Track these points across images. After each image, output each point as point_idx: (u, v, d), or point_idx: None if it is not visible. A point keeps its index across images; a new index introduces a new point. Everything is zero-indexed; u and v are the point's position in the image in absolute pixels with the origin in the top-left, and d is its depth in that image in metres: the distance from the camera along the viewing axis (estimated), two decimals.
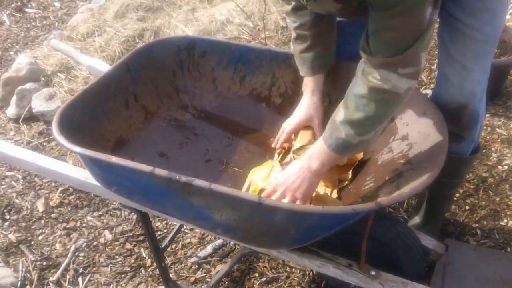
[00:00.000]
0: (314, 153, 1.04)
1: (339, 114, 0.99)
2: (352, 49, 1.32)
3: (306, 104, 1.25)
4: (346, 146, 1.00)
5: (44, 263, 1.68)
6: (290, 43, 2.53)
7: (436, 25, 1.16)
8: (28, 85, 2.42)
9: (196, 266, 1.61)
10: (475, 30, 1.06)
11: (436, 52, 2.42)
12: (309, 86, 1.25)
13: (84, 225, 1.81)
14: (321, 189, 1.22)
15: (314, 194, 1.13)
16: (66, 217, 1.84)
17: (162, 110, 1.45)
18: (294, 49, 1.24)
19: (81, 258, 1.69)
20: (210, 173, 1.33)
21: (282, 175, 1.08)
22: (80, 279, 1.62)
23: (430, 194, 1.48)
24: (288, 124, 1.28)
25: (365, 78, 0.94)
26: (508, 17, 2.70)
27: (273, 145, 1.30)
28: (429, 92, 2.15)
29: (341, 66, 1.32)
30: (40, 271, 1.65)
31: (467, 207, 1.70)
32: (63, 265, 1.65)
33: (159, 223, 1.77)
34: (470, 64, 1.11)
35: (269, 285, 1.52)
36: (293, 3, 1.17)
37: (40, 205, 1.90)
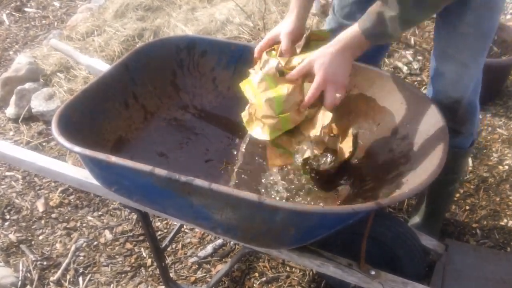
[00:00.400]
0: (350, 41, 1.00)
1: (391, 9, 0.94)
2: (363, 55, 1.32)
3: (282, 21, 1.18)
4: (387, 37, 1.00)
5: (45, 263, 1.68)
6: None
7: (432, 23, 1.16)
8: (27, 85, 2.42)
9: (196, 266, 1.61)
10: (473, 27, 1.07)
11: None
12: (294, 3, 1.17)
13: (84, 225, 1.81)
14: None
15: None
16: (66, 217, 1.85)
17: (162, 110, 1.45)
18: None
19: (81, 258, 1.69)
20: (210, 173, 1.33)
21: (324, 69, 1.00)
22: (80, 279, 1.62)
23: (429, 193, 1.48)
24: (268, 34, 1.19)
25: None
26: (508, 17, 2.70)
27: (256, 50, 1.20)
28: None
29: None
30: (41, 271, 1.65)
31: (467, 207, 1.71)
32: (63, 265, 1.65)
33: (159, 223, 1.77)
34: (467, 61, 1.12)
35: (269, 285, 1.52)
36: None
37: (40, 205, 1.90)
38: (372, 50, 1.33)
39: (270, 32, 1.19)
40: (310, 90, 1.03)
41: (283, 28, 1.16)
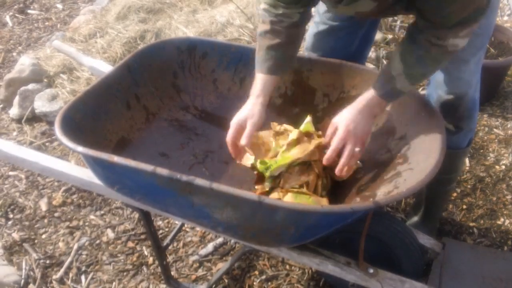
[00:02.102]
0: (369, 102, 1.07)
1: (395, 67, 1.04)
2: (351, 51, 1.35)
3: (246, 106, 1.17)
4: (398, 94, 1.08)
5: (48, 262, 1.69)
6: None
7: None
8: (30, 86, 2.44)
9: (197, 264, 1.63)
10: None
11: None
12: (258, 88, 1.17)
13: (86, 224, 1.83)
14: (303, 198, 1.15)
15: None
16: (69, 216, 1.86)
17: (163, 110, 1.47)
18: (261, 43, 1.17)
19: (84, 256, 1.71)
20: (211, 173, 1.35)
21: (346, 125, 1.06)
22: (83, 277, 1.64)
23: (427, 192, 1.50)
24: (232, 123, 1.17)
25: (427, 41, 0.99)
26: (505, 18, 2.71)
27: (230, 143, 1.18)
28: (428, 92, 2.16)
29: (340, 68, 1.34)
30: (44, 269, 1.67)
31: (464, 207, 1.72)
32: (66, 263, 1.67)
33: (160, 222, 1.79)
34: (467, 56, 1.16)
35: (269, 283, 1.53)
36: (282, 10, 1.12)
37: (43, 204, 1.92)
38: (357, 46, 1.35)
39: (235, 121, 1.15)
40: (333, 143, 1.07)
41: (250, 116, 1.14)
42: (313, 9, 1.25)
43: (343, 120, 1.07)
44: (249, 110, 1.15)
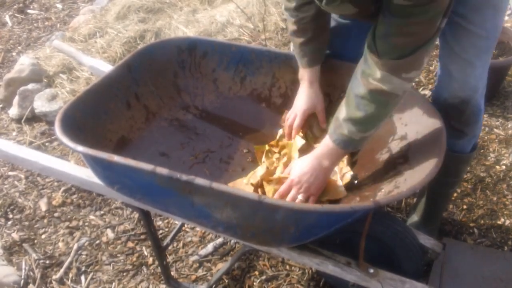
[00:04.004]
0: (323, 150, 1.09)
1: (342, 111, 1.03)
2: (353, 51, 1.35)
3: (307, 92, 1.30)
4: (349, 142, 1.05)
5: (47, 262, 1.69)
6: (290, 43, 2.54)
7: None
8: (30, 86, 2.44)
9: (197, 264, 1.63)
10: (478, 26, 1.08)
11: (434, 53, 2.44)
12: (308, 76, 1.29)
13: (86, 224, 1.82)
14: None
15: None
16: (69, 216, 1.86)
17: (164, 110, 1.47)
18: (294, 42, 1.27)
19: (83, 256, 1.70)
20: (211, 172, 1.35)
21: (294, 173, 1.12)
22: (82, 277, 1.64)
23: (429, 193, 1.49)
24: (294, 112, 1.32)
25: (365, 79, 0.96)
26: (506, 18, 2.71)
27: (285, 132, 1.34)
28: (427, 92, 2.16)
29: (341, 67, 1.34)
30: (43, 269, 1.67)
31: (465, 207, 1.72)
32: (66, 264, 1.67)
33: (160, 222, 1.79)
34: (473, 59, 1.13)
35: (269, 283, 1.53)
36: (295, 1, 1.19)
37: (43, 204, 1.92)
38: (354, 47, 1.35)
39: (303, 108, 1.30)
40: (280, 188, 1.14)
41: (316, 104, 1.31)
42: None
43: (294, 168, 1.13)
44: (313, 99, 1.30)
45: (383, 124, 1.04)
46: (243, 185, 1.24)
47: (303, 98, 1.30)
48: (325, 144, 1.08)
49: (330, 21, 1.28)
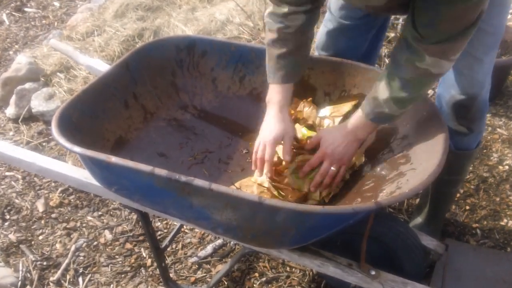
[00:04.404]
0: (357, 124, 1.09)
1: (382, 91, 1.02)
2: (354, 51, 1.33)
3: (277, 118, 1.16)
4: (388, 118, 1.07)
5: (45, 263, 1.68)
6: None
7: None
8: (27, 85, 2.42)
9: (196, 266, 1.61)
10: (485, 23, 1.07)
11: None
12: (279, 98, 1.16)
13: (84, 225, 1.81)
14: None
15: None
16: (66, 217, 1.84)
17: (162, 110, 1.45)
18: (270, 54, 1.16)
19: (81, 258, 1.69)
20: (210, 173, 1.33)
21: (327, 145, 1.11)
22: (80, 279, 1.62)
23: (432, 193, 1.48)
24: (263, 143, 1.16)
25: (412, 65, 0.96)
26: (508, 17, 2.70)
27: (255, 168, 1.19)
28: (429, 92, 2.15)
29: (342, 67, 1.32)
30: (41, 271, 1.65)
31: (467, 207, 1.71)
32: (63, 265, 1.65)
33: (159, 223, 1.77)
34: (481, 56, 1.15)
35: (269, 285, 1.52)
36: (287, 8, 1.11)
37: (40, 205, 1.90)
38: (366, 48, 1.34)
39: (271, 139, 1.14)
40: (311, 160, 1.14)
41: (285, 132, 1.16)
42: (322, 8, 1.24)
43: (326, 140, 1.12)
44: (282, 127, 1.15)
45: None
46: (251, 183, 1.21)
47: (273, 125, 1.15)
48: (359, 119, 1.08)
49: (311, 41, 1.20)
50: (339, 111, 1.28)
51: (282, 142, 1.16)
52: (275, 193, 1.16)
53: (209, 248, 1.65)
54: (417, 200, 1.62)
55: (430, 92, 2.14)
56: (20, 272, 1.64)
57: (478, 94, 1.20)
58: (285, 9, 1.11)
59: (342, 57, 1.33)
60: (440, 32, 0.91)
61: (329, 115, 1.28)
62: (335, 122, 1.26)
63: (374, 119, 1.06)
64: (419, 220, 1.55)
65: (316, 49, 1.42)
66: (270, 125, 1.16)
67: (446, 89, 1.23)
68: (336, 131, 1.12)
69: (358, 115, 1.09)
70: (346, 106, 1.29)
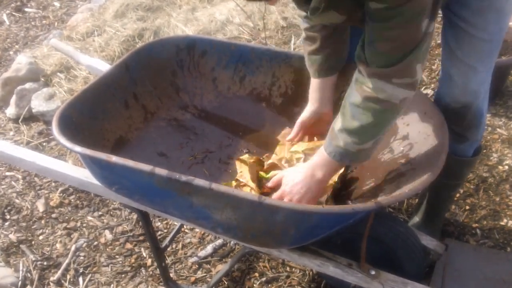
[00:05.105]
0: (317, 161, 1.04)
1: (337, 122, 0.99)
2: (355, 50, 1.33)
3: (309, 103, 1.26)
4: (345, 154, 0.98)
5: (45, 263, 1.68)
6: (290, 42, 2.53)
7: (438, 25, 1.15)
8: (27, 85, 2.42)
9: (197, 266, 1.61)
10: (481, 29, 1.05)
11: (436, 52, 2.42)
12: (314, 87, 1.24)
13: (84, 225, 1.81)
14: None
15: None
16: (67, 217, 1.84)
17: (162, 110, 1.45)
18: (304, 50, 1.24)
19: (81, 258, 1.69)
20: (211, 173, 1.33)
21: (286, 183, 1.07)
22: (80, 279, 1.62)
23: (430, 195, 1.48)
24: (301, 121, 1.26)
25: (359, 87, 0.94)
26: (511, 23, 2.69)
27: (288, 138, 1.28)
28: (429, 92, 2.15)
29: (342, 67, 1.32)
30: (41, 271, 1.65)
31: (467, 207, 1.71)
32: (63, 265, 1.65)
33: (159, 223, 1.77)
34: (475, 64, 1.10)
35: (269, 285, 1.52)
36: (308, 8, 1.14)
37: (40, 205, 1.90)
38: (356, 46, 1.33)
39: (301, 122, 1.26)
40: (274, 195, 1.10)
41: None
42: None
43: (286, 178, 1.08)
44: (312, 108, 1.25)
45: (381, 136, 0.98)
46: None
47: (305, 110, 1.26)
48: (320, 154, 1.03)
49: (345, 32, 1.21)
50: (313, 149, 1.23)
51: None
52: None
53: (209, 248, 1.65)
54: (417, 200, 1.62)
55: (429, 92, 2.14)
56: (21, 272, 1.64)
57: (472, 103, 1.16)
58: (304, 12, 1.11)
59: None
60: (379, 53, 0.88)
61: (301, 151, 1.25)
62: (306, 158, 1.22)
63: (332, 154, 0.99)
64: (417, 220, 1.55)
65: None
66: (305, 111, 1.25)
67: (440, 97, 1.21)
68: (299, 168, 1.08)
69: (320, 151, 1.03)
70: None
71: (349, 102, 0.96)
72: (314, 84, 1.24)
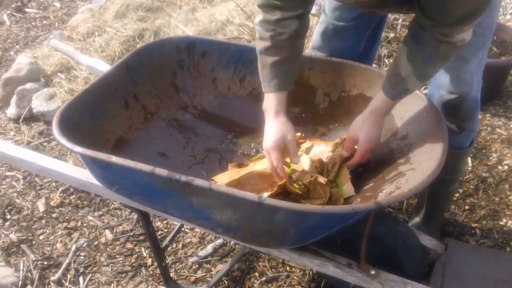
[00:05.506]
0: (382, 107, 1.11)
1: (404, 69, 1.04)
2: (351, 51, 1.34)
3: (275, 125, 1.14)
4: (407, 93, 1.10)
5: (45, 263, 1.68)
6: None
7: None
8: (28, 85, 2.42)
9: (197, 266, 1.62)
10: (475, 24, 1.07)
11: None
12: (274, 105, 1.14)
13: (85, 224, 1.81)
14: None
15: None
16: (67, 217, 1.85)
17: (162, 110, 1.45)
18: (263, 61, 1.14)
19: (82, 257, 1.69)
20: (211, 173, 1.33)
21: (367, 140, 1.12)
22: (81, 278, 1.62)
23: (429, 193, 1.49)
24: (266, 152, 1.14)
25: (435, 39, 0.98)
26: (508, 17, 2.70)
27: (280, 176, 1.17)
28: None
29: (341, 67, 1.33)
30: (41, 270, 1.65)
31: (467, 207, 1.71)
32: (64, 265, 1.66)
33: (159, 223, 1.77)
34: (468, 56, 1.15)
35: (269, 285, 1.52)
36: (280, 14, 1.09)
37: (40, 205, 1.91)
38: (364, 46, 1.34)
39: (273, 145, 1.12)
40: (356, 156, 1.16)
41: (285, 135, 1.13)
42: (315, 8, 1.24)
43: (363, 138, 1.12)
44: (281, 130, 1.13)
45: None
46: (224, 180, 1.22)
47: (271, 131, 1.13)
48: (382, 104, 1.10)
49: (304, 44, 1.19)
50: (312, 146, 1.30)
51: (285, 145, 1.13)
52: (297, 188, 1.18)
53: (209, 248, 1.66)
54: (416, 200, 1.63)
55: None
56: (21, 272, 1.64)
57: (467, 93, 1.21)
58: (277, 15, 1.08)
59: (337, 57, 1.33)
60: (452, 15, 0.92)
61: (300, 150, 1.27)
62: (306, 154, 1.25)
63: (395, 97, 1.09)
64: (417, 220, 1.55)
65: (312, 49, 1.42)
66: (269, 132, 1.14)
67: (435, 89, 1.25)
68: (368, 125, 1.12)
69: (381, 99, 1.10)
70: (323, 145, 1.29)
71: (425, 54, 1.01)
72: (274, 100, 1.14)
